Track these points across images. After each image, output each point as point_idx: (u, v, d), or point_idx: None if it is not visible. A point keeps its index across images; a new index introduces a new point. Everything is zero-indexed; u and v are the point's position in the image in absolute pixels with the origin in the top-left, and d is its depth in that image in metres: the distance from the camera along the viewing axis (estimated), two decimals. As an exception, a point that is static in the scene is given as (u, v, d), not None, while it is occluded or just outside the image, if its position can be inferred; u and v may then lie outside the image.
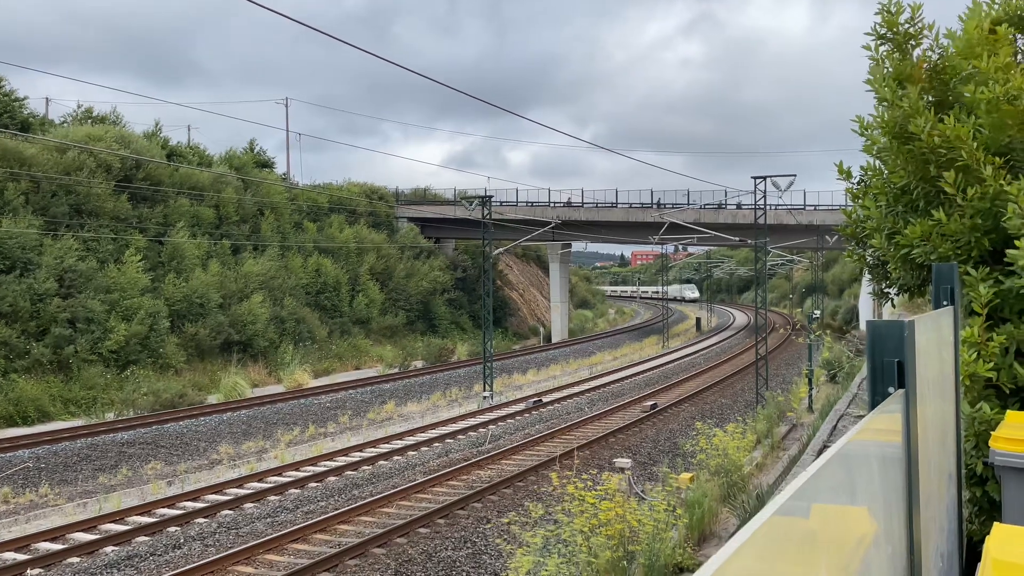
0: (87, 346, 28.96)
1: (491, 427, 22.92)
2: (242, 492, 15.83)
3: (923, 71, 5.51)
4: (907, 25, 5.57)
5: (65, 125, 40.55)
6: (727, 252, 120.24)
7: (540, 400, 27.23)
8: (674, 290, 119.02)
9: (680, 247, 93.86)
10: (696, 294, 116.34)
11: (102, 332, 29.70)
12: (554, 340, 56.58)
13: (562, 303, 58.89)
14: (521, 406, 26.43)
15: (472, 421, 23.79)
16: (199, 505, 14.93)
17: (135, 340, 30.48)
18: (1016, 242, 4.42)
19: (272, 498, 15.60)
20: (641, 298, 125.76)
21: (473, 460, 17.98)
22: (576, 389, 30.76)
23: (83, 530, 13.49)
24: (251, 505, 15.10)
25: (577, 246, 65.82)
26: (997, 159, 4.82)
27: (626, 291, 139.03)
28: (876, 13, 5.68)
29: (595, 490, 10.81)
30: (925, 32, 5.60)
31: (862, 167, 6.22)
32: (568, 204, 53.30)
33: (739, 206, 47.47)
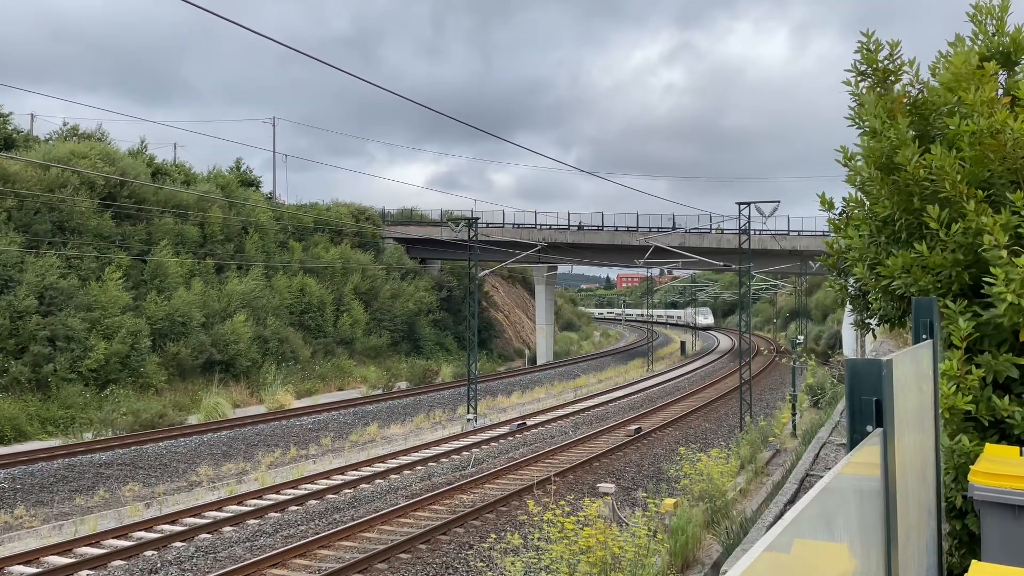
0: (66, 364, 28.63)
1: (475, 450, 22.80)
2: (221, 515, 15.63)
3: (903, 105, 5.58)
4: (887, 62, 5.65)
5: (50, 142, 40.35)
6: (712, 276, 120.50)
7: (524, 423, 27.12)
8: (687, 315, 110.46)
9: (665, 270, 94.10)
10: (710, 320, 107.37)
11: (82, 350, 29.39)
12: (539, 362, 56.51)
13: (547, 325, 58.91)
14: (505, 429, 26.31)
15: (455, 444, 23.64)
16: (177, 528, 14.72)
17: (115, 359, 30.17)
18: (993, 269, 4.46)
19: (251, 522, 15.40)
20: (627, 321, 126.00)
21: (456, 484, 17.85)
22: (561, 412, 30.68)
23: (58, 553, 13.26)
24: (230, 529, 14.90)
25: (563, 268, 66.00)
26: (979, 192, 4.88)
27: (612, 313, 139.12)
28: (856, 51, 5.76)
29: (576, 516, 10.76)
30: (905, 68, 5.67)
31: (844, 198, 6.29)
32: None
33: (723, 231, 47.83)
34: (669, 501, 13.71)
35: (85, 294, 31.07)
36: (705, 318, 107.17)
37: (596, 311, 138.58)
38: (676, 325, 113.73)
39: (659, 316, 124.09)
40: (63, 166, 33.29)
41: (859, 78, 5.79)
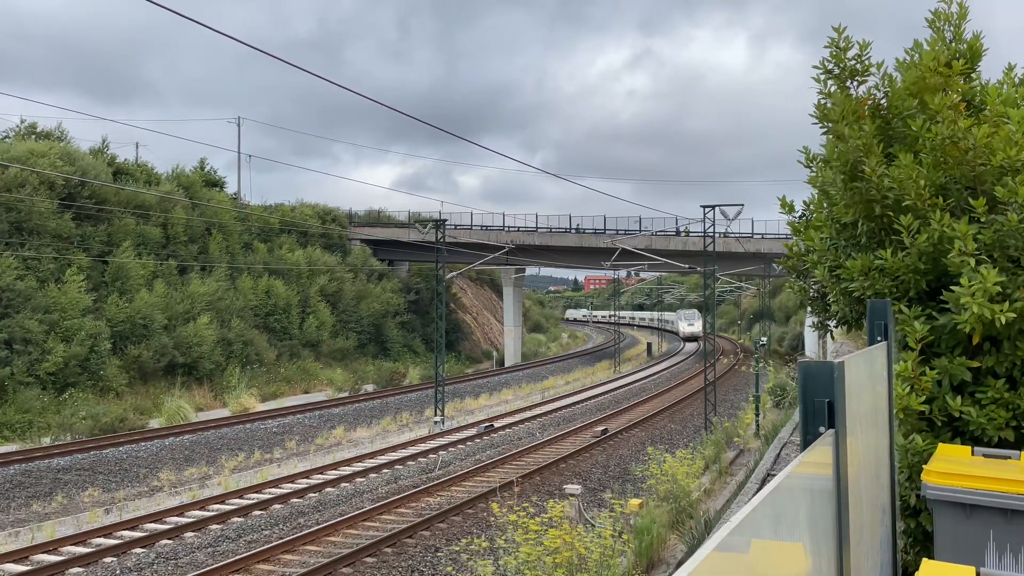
0: (23, 368, 28.00)
1: (441, 453, 22.72)
2: (183, 521, 15.38)
3: (866, 108, 5.64)
4: (854, 61, 5.68)
5: (7, 140, 39.44)
6: (678, 278, 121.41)
7: (492, 425, 27.10)
8: (669, 318, 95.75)
9: (632, 272, 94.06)
10: (698, 326, 78.87)
11: (40, 353, 28.76)
12: (507, 364, 56.53)
13: (515, 327, 58.97)
14: (473, 431, 26.27)
15: (422, 447, 23.55)
16: (137, 534, 14.46)
17: (75, 362, 29.57)
18: (961, 279, 4.53)
19: (214, 527, 15.18)
20: (594, 323, 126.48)
21: (422, 487, 17.78)
22: (528, 414, 30.71)
23: (13, 561, 12.95)
24: (192, 534, 14.67)
25: (531, 270, 66.14)
26: (941, 200, 4.96)
27: (583, 315, 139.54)
28: (826, 47, 5.78)
29: (540, 517, 10.78)
30: (872, 70, 5.70)
31: (804, 201, 6.37)
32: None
33: (689, 233, 48.28)
34: (635, 502, 13.79)
35: (43, 296, 30.42)
36: (691, 324, 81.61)
37: (571, 312, 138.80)
38: (659, 329, 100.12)
39: (641, 319, 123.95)
40: (21, 166, 32.56)
41: (826, 76, 5.78)
